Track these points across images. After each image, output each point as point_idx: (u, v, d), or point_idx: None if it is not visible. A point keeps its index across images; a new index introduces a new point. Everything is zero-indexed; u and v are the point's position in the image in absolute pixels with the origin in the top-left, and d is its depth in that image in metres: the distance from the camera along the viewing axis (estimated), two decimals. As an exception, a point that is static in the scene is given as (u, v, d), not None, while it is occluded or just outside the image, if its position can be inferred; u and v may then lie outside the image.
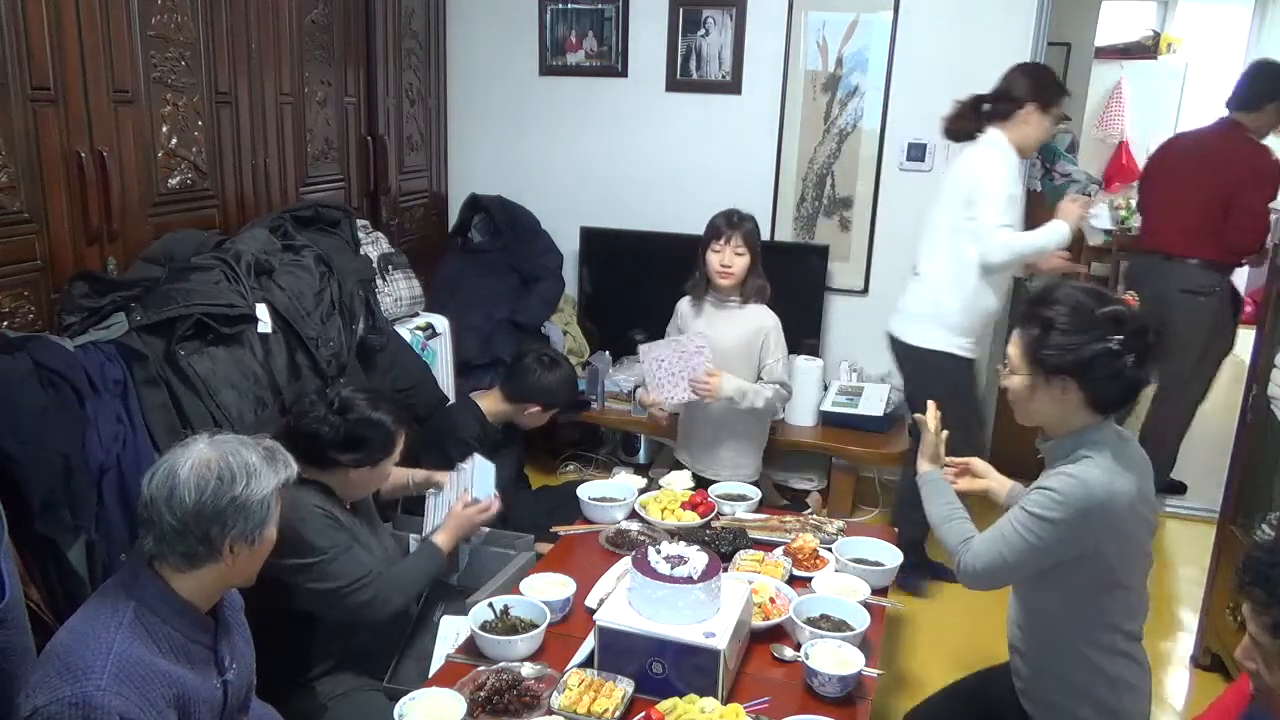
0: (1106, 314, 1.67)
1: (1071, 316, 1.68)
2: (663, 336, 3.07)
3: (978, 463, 2.11)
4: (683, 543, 1.95)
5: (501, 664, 1.83)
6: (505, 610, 1.98)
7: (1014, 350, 1.78)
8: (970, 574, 1.81)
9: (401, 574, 2.16)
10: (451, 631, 2.13)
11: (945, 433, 2.04)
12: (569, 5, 4.16)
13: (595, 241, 4.25)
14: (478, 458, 2.51)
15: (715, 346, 3.10)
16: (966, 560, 1.80)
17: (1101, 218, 2.37)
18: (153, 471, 1.50)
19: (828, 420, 3.78)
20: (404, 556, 2.41)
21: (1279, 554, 1.39)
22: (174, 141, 2.61)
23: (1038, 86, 2.98)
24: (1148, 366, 1.70)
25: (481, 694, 1.72)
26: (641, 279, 4.15)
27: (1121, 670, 1.79)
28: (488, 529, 2.19)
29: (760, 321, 3.00)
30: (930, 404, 2.05)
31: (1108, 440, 1.73)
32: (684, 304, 3.13)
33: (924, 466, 2.00)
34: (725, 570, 1.99)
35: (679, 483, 2.73)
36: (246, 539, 1.50)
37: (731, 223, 2.96)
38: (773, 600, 2.03)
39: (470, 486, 2.43)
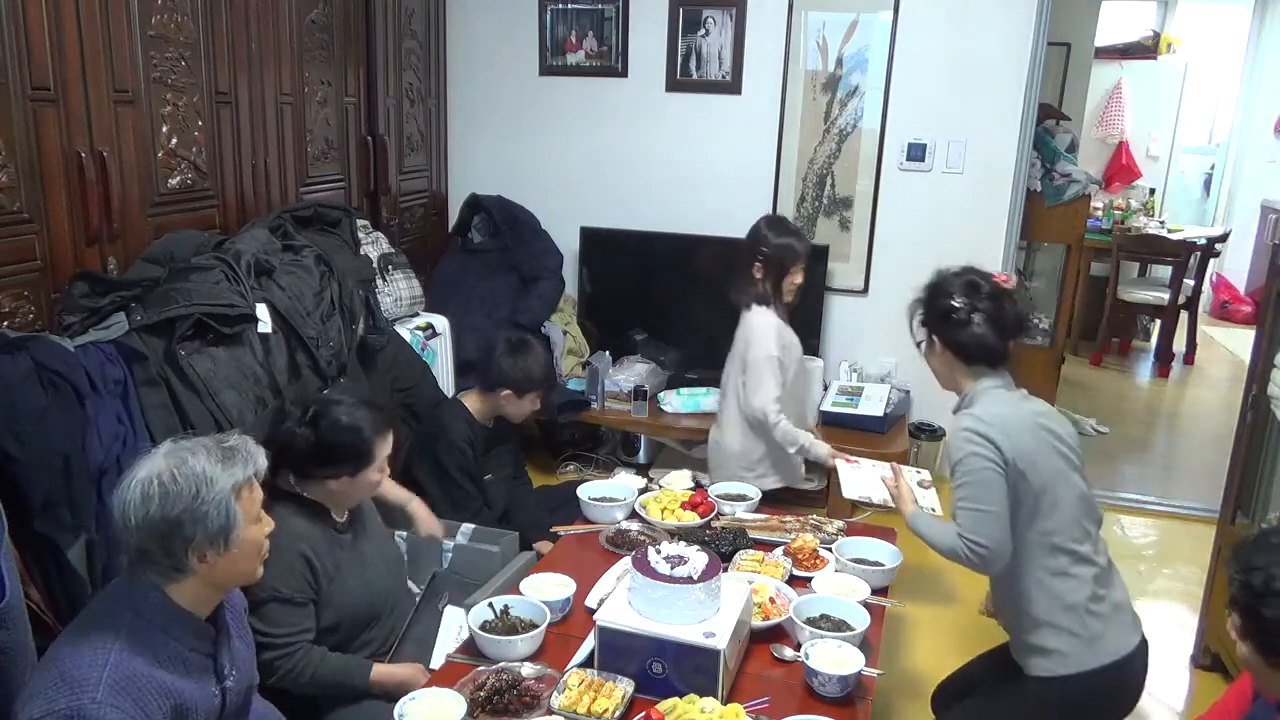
0: (961, 282, 1.97)
1: (936, 287, 2.00)
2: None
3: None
4: (683, 543, 1.95)
5: (501, 664, 1.83)
6: (505, 610, 1.97)
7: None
8: (979, 553, 1.85)
9: (323, 663, 1.98)
10: (455, 622, 2.13)
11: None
12: (569, 5, 4.16)
13: (595, 241, 4.24)
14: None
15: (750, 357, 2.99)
16: (966, 546, 1.86)
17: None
18: (115, 487, 1.47)
19: (828, 420, 3.77)
20: (401, 560, 2.40)
21: None
22: (174, 141, 2.61)
23: None
24: (1001, 329, 1.93)
25: (481, 694, 1.72)
26: (641, 279, 4.16)
27: (1077, 595, 1.87)
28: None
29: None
30: (891, 466, 2.30)
31: (995, 386, 1.96)
32: (772, 317, 2.94)
33: (907, 509, 2.13)
34: (725, 570, 1.99)
35: (679, 483, 2.73)
36: (214, 545, 1.46)
37: (804, 243, 2.97)
38: (773, 600, 2.03)
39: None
